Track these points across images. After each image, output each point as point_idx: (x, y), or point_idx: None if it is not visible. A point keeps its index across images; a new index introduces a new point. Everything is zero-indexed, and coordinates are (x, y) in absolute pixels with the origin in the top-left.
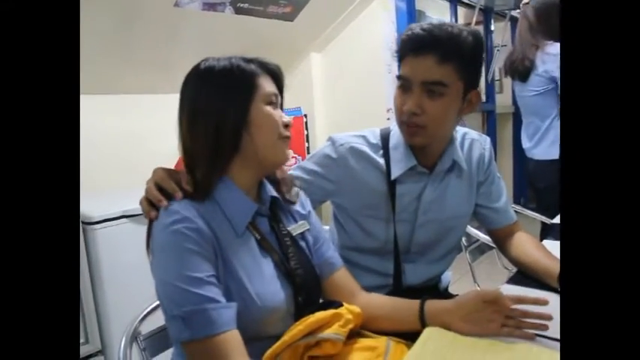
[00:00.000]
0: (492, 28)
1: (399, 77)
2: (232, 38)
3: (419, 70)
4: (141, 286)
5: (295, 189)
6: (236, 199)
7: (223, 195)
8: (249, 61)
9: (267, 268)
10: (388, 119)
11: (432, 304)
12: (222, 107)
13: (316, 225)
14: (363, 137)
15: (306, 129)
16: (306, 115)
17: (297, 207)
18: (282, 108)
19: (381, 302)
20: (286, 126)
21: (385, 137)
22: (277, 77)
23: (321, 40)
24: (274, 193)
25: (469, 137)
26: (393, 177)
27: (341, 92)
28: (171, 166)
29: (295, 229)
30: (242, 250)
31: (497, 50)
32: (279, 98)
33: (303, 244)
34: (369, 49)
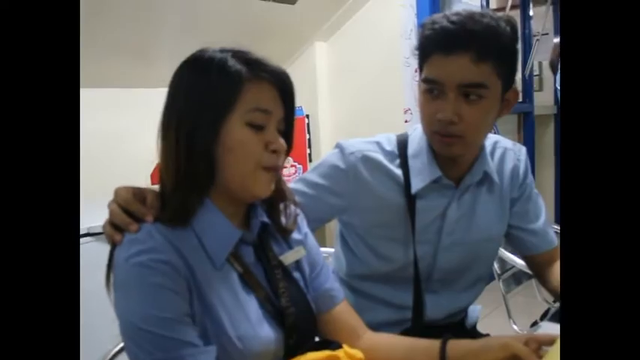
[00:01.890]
0: (531, 13)
1: (426, 81)
2: (221, 23)
3: (453, 71)
4: (106, 319)
5: (294, 212)
6: (216, 225)
7: (201, 218)
8: (241, 59)
9: (251, 306)
10: (406, 122)
11: (456, 345)
12: (194, 119)
13: (313, 249)
14: (377, 144)
15: (308, 132)
16: (308, 116)
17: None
18: (289, 128)
19: (392, 344)
20: (274, 152)
21: (403, 144)
22: (281, 86)
23: (328, 27)
24: (265, 219)
25: (501, 146)
26: (413, 190)
27: (350, 89)
28: (148, 173)
29: (288, 257)
30: (221, 285)
31: (537, 40)
32: (276, 115)
33: (297, 274)
34: (384, 39)
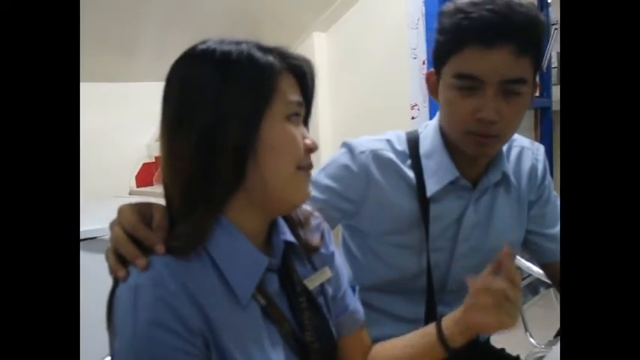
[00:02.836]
0: (549, 0)
1: (460, 76)
2: (209, 14)
3: (494, 66)
4: (95, 341)
5: (321, 226)
6: (239, 252)
7: (221, 245)
8: (266, 50)
9: (274, 346)
10: (413, 119)
11: (448, 320)
12: (220, 117)
13: (339, 269)
14: (388, 142)
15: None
16: None
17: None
18: (306, 123)
19: (392, 343)
20: (309, 150)
21: (414, 143)
22: (304, 78)
23: (327, 16)
24: (290, 237)
25: (517, 145)
26: (429, 193)
27: (351, 83)
28: (133, 173)
29: (313, 280)
30: (244, 326)
31: (555, 29)
32: (304, 109)
33: (321, 299)
34: (388, 29)
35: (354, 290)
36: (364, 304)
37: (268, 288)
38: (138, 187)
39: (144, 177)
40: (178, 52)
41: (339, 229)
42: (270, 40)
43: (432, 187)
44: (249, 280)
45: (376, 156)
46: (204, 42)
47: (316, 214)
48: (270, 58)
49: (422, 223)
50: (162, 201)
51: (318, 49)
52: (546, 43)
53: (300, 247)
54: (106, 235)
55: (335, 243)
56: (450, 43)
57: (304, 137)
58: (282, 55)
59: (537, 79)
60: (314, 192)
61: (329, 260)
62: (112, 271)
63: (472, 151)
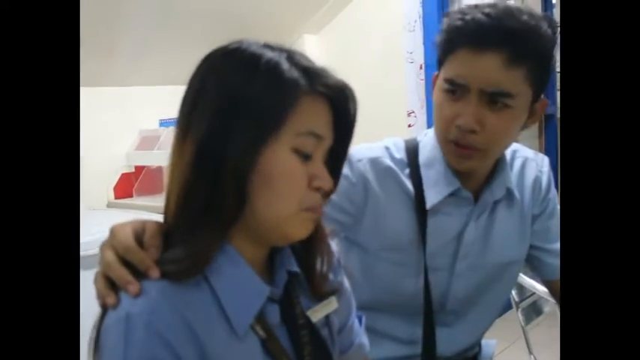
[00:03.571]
0: (554, 0)
1: (448, 79)
2: (195, 15)
3: (480, 71)
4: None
5: (332, 258)
6: (239, 279)
7: (219, 268)
8: (297, 64)
9: None
10: (410, 126)
11: None
12: (226, 130)
13: (347, 300)
14: (386, 149)
15: None
16: None
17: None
18: (337, 161)
19: None
20: (317, 189)
21: (412, 151)
22: (340, 107)
23: (319, 17)
24: (294, 267)
25: (520, 155)
26: (428, 205)
27: None
28: (111, 184)
29: (317, 312)
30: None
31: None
32: (326, 142)
33: (325, 331)
34: (384, 31)
35: (360, 321)
36: None
37: (268, 319)
38: (116, 198)
39: (123, 188)
40: (160, 56)
41: None
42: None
43: (431, 199)
44: (248, 310)
45: (374, 164)
46: (239, 41)
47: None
48: (297, 75)
49: (420, 238)
50: (143, 215)
51: (309, 52)
52: (551, 57)
53: (303, 278)
54: (83, 251)
55: None
56: (445, 44)
57: (314, 176)
58: (314, 75)
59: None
60: None
61: (337, 288)
62: (101, 297)
63: (451, 162)
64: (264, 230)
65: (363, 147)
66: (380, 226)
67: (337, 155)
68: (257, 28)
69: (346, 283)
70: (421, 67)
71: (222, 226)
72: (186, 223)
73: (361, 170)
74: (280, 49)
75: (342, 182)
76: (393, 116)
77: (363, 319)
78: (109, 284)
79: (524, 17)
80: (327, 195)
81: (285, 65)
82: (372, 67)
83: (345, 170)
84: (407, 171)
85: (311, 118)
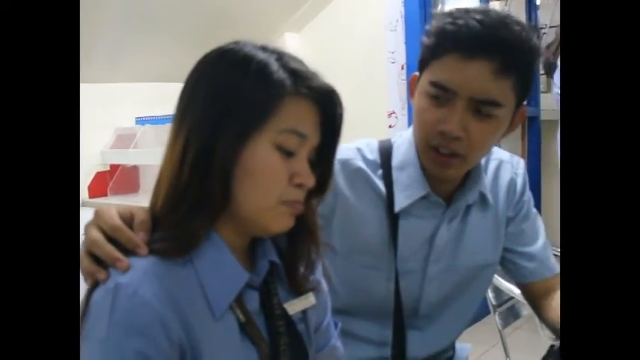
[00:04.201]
0: (538, 2)
1: (434, 84)
2: (171, 12)
3: (469, 79)
4: None
5: (316, 258)
6: (221, 264)
7: (204, 253)
8: (286, 66)
9: None
10: (390, 127)
11: None
12: (213, 128)
13: (324, 298)
14: (358, 150)
15: None
16: None
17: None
18: (325, 161)
19: None
20: (299, 186)
21: (386, 152)
22: (325, 108)
23: (300, 15)
24: (275, 258)
25: (496, 158)
26: (397, 208)
27: None
28: (86, 182)
29: (295, 305)
30: (220, 339)
31: (544, 33)
32: (311, 141)
33: (302, 327)
34: (365, 30)
35: (335, 326)
36: None
37: (248, 305)
38: (91, 197)
39: (97, 187)
40: (138, 53)
41: None
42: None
43: (401, 202)
44: (227, 293)
45: (344, 166)
46: (235, 42)
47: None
48: (283, 76)
49: (391, 241)
50: None
51: (290, 51)
52: (536, 65)
53: (283, 270)
54: None
55: None
56: (432, 47)
57: (296, 173)
58: (300, 76)
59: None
60: None
61: (315, 286)
62: (89, 274)
63: (431, 169)
64: (246, 221)
65: None
66: (349, 228)
67: (325, 155)
68: (237, 26)
69: (324, 283)
70: (403, 68)
71: (210, 215)
72: (175, 212)
73: None
74: (272, 51)
75: None
76: (374, 117)
77: (339, 325)
78: (97, 262)
79: (517, 28)
80: (314, 193)
81: (274, 66)
82: (353, 67)
83: None
84: (379, 172)
85: (295, 118)
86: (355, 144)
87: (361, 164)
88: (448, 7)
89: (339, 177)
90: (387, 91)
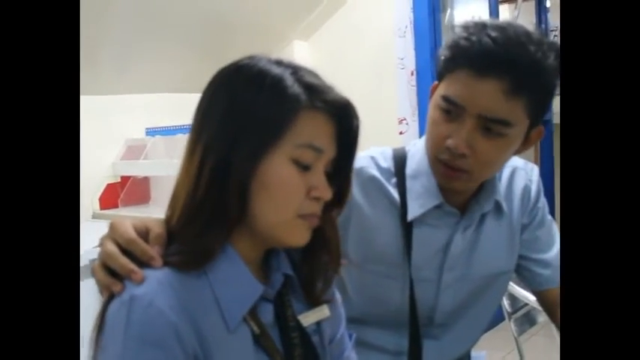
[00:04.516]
0: (548, 4)
1: (446, 99)
2: (181, 21)
3: (479, 97)
4: None
5: (332, 274)
6: (236, 277)
7: (219, 265)
8: (301, 80)
9: None
10: (401, 133)
11: None
12: (231, 142)
13: (337, 308)
14: (372, 158)
15: None
16: None
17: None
18: (343, 173)
19: None
20: (316, 199)
21: (400, 161)
22: (340, 121)
23: (308, 23)
24: (289, 271)
25: (509, 165)
26: (410, 217)
27: None
28: (97, 194)
29: (309, 317)
30: (234, 352)
31: (555, 36)
32: (327, 155)
33: (316, 339)
34: (374, 37)
35: (350, 338)
36: None
37: (262, 317)
38: (102, 209)
39: (108, 199)
40: (147, 64)
41: None
42: (247, 48)
43: (414, 211)
44: (241, 306)
45: (359, 174)
46: (250, 56)
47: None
48: (298, 91)
49: (405, 250)
50: None
51: (299, 59)
52: (555, 87)
53: (297, 282)
54: None
55: None
56: (446, 60)
57: (313, 187)
58: (315, 90)
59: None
60: None
61: (330, 298)
62: (104, 287)
63: (440, 180)
64: (262, 235)
65: None
66: (364, 236)
67: (342, 168)
68: (246, 34)
69: (337, 294)
70: (412, 74)
71: (225, 229)
72: (192, 225)
73: None
74: (287, 65)
75: None
76: (385, 123)
77: (354, 336)
78: (113, 275)
79: (532, 47)
80: (332, 205)
81: (289, 81)
82: (363, 74)
83: None
84: (394, 180)
85: (311, 132)
86: (369, 152)
87: (375, 172)
88: (457, 12)
89: (353, 185)
90: (397, 98)
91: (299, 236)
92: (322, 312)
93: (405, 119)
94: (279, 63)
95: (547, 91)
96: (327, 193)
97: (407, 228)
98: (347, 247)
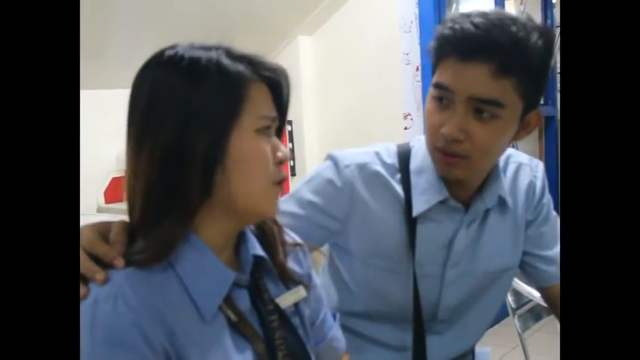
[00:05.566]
0: (554, 0)
1: (436, 85)
2: (185, 17)
3: (467, 81)
4: None
5: (293, 241)
6: (204, 266)
7: (184, 256)
8: (236, 57)
9: None
10: (406, 129)
11: None
12: (187, 128)
13: (317, 291)
14: (376, 154)
15: (291, 141)
16: (290, 123)
17: (291, 263)
18: (280, 135)
19: None
20: (280, 163)
21: (404, 157)
22: (278, 88)
23: (313, 18)
24: (260, 252)
25: (514, 161)
26: (415, 212)
27: (339, 90)
28: (102, 188)
29: (286, 299)
30: (210, 342)
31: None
32: (278, 122)
33: (296, 320)
34: (379, 32)
35: (334, 318)
36: (351, 330)
37: (238, 304)
38: (107, 203)
39: (113, 192)
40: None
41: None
42: (252, 43)
43: (419, 207)
44: (215, 295)
45: (362, 170)
46: (172, 47)
47: (291, 233)
48: (240, 67)
49: (409, 245)
50: None
51: (304, 54)
52: (545, 68)
53: (270, 263)
54: None
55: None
56: (435, 52)
57: (275, 150)
58: (254, 63)
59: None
60: (295, 207)
61: (304, 280)
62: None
63: (440, 170)
64: (240, 210)
65: (351, 152)
66: (368, 231)
67: (279, 129)
68: (251, 30)
69: (315, 277)
70: (417, 69)
71: (185, 216)
72: (151, 217)
73: (348, 176)
74: (217, 47)
75: (327, 187)
76: (390, 118)
77: (337, 316)
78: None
79: (514, 28)
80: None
81: (227, 61)
82: (368, 69)
83: (331, 175)
84: (398, 176)
85: (262, 101)
86: (374, 148)
87: (379, 168)
88: (462, 7)
89: (357, 181)
90: (402, 93)
91: (273, 203)
92: (299, 293)
93: (409, 114)
94: (205, 47)
95: (536, 71)
96: (287, 155)
97: (411, 224)
98: (349, 241)
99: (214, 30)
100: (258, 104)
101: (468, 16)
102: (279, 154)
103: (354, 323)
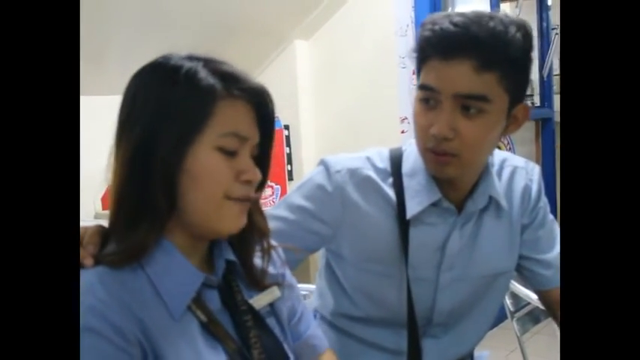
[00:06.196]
0: (549, 2)
1: (421, 87)
2: (184, 21)
3: (450, 79)
4: None
5: (270, 252)
6: (173, 268)
7: (155, 259)
8: (215, 71)
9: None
10: (403, 132)
11: None
12: (153, 138)
13: (292, 291)
14: (368, 159)
15: (288, 146)
16: (287, 127)
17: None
18: (265, 154)
19: None
20: (247, 182)
21: (396, 160)
22: (259, 108)
23: (309, 22)
24: (231, 256)
25: (510, 164)
26: (409, 215)
27: (336, 95)
28: (99, 194)
29: (260, 300)
30: (181, 340)
31: (557, 34)
32: (252, 140)
33: (272, 320)
34: (375, 36)
35: (315, 316)
36: (348, 334)
37: (209, 304)
38: (104, 209)
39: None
40: None
41: (320, 256)
42: (249, 48)
43: (412, 209)
44: (183, 295)
45: (353, 175)
46: (164, 56)
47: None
48: (212, 81)
49: (402, 249)
50: None
51: (300, 58)
52: (547, 50)
53: (241, 267)
54: None
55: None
56: (418, 55)
57: (242, 171)
58: (231, 79)
59: (537, 88)
60: (286, 212)
61: (278, 280)
62: None
63: (431, 169)
64: (195, 224)
65: (343, 157)
66: (360, 236)
67: (265, 148)
68: (248, 35)
69: (290, 276)
70: (414, 73)
71: (156, 222)
72: (123, 221)
73: (339, 181)
74: (199, 59)
75: (318, 192)
76: (386, 123)
77: (318, 314)
78: None
79: (491, 24)
80: (261, 186)
81: (202, 73)
82: (364, 73)
83: (322, 180)
84: (390, 180)
85: (232, 120)
86: (365, 153)
87: (371, 173)
88: (458, 10)
89: (348, 186)
90: (399, 97)
91: (231, 221)
92: (273, 294)
93: (406, 118)
94: (191, 58)
95: (517, 64)
96: (256, 176)
97: (403, 227)
98: (342, 246)
99: (212, 36)
100: (225, 121)
101: (446, 16)
102: (244, 176)
103: (351, 327)
